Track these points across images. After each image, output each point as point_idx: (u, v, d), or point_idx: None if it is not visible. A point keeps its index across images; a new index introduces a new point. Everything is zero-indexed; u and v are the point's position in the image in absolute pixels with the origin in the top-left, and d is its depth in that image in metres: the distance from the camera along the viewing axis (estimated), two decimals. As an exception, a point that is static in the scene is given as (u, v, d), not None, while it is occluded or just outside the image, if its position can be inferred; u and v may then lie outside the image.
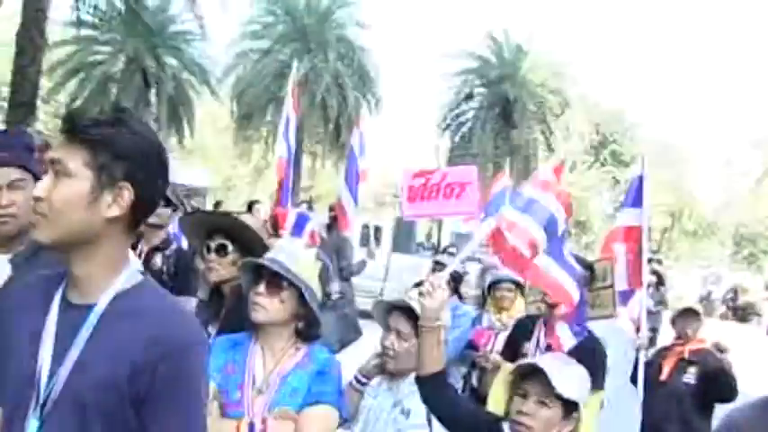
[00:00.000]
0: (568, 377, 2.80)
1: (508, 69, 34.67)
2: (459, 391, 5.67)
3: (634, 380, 5.84)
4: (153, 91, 30.69)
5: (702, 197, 60.43)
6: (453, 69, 36.08)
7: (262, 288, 2.81)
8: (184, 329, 1.80)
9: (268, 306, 2.80)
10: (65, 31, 28.08)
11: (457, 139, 35.66)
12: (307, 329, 2.89)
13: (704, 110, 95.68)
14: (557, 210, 3.70)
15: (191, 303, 5.02)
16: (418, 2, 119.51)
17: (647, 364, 5.89)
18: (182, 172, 22.87)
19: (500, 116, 34.47)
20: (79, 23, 21.77)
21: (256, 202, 13.69)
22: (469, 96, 36.26)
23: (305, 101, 30.35)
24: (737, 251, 61.55)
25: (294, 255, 2.87)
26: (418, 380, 3.03)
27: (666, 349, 6.25)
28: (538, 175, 3.79)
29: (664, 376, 5.98)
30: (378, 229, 19.80)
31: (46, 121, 40.96)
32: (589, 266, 4.39)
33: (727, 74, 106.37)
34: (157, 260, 4.90)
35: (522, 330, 4.61)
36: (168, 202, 4.98)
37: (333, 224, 9.98)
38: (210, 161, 51.53)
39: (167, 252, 4.96)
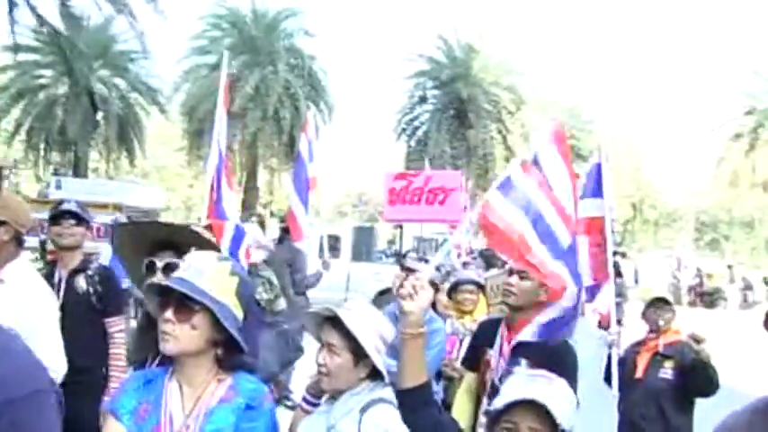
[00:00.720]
0: (562, 403, 2.46)
1: (460, 69, 34.34)
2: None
3: (608, 379, 5.48)
4: (100, 113, 30.05)
5: (662, 186, 60.91)
6: (405, 73, 35.82)
7: (169, 314, 2.36)
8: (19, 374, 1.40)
9: (178, 334, 2.35)
10: (4, 57, 27.55)
11: (413, 142, 35.32)
12: (228, 357, 2.43)
13: (659, 100, 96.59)
14: (541, 199, 3.40)
15: (119, 325, 4.61)
16: (365, 8, 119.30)
17: (621, 362, 5.54)
18: (133, 193, 22.32)
19: (455, 117, 34.19)
20: (16, 48, 21.08)
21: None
22: (423, 99, 35.96)
23: (257, 114, 30.00)
24: (699, 237, 62.12)
25: (202, 270, 2.40)
26: (399, 394, 2.69)
27: (639, 344, 5.88)
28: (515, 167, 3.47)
29: (639, 373, 5.64)
30: (336, 239, 19.41)
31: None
32: None
33: (681, 61, 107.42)
34: (81, 282, 4.49)
35: (485, 335, 4.20)
36: (80, 220, 4.56)
37: (284, 236, 9.56)
38: (167, 182, 50.99)
39: (89, 272, 4.54)
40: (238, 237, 4.62)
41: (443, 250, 3.68)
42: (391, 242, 31.43)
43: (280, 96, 30.00)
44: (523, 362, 3.75)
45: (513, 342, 3.84)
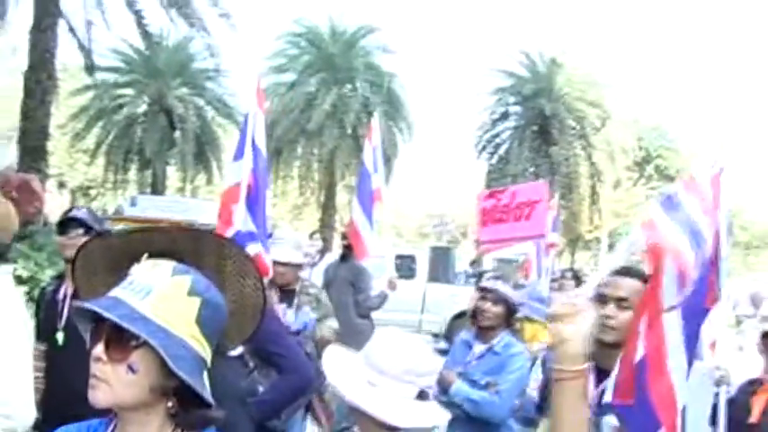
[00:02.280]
0: None
1: (543, 84, 33.12)
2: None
3: (714, 422, 4.56)
4: (178, 131, 30.03)
5: (752, 206, 58.35)
6: (486, 89, 34.81)
7: (99, 350, 1.59)
8: None
9: (110, 379, 1.59)
10: (85, 78, 27.77)
11: (494, 160, 34.25)
12: (185, 412, 1.65)
13: (747, 116, 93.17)
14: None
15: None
16: (444, 24, 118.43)
17: (730, 402, 4.63)
18: (208, 211, 22.04)
19: (538, 133, 32.97)
20: (92, 68, 21.07)
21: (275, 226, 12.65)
22: (505, 115, 34.85)
23: (335, 132, 29.57)
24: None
25: (147, 287, 1.63)
26: None
27: (755, 382, 4.94)
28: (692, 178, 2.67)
29: (754, 418, 4.70)
30: (411, 259, 18.63)
31: (72, 167, 40.90)
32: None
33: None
34: None
35: None
36: (88, 229, 3.90)
37: (348, 254, 8.83)
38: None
39: None
40: (240, 240, 3.85)
41: (621, 250, 2.69)
42: (475, 262, 30.56)
43: (357, 114, 29.48)
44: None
45: (602, 387, 3.03)
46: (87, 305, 1.61)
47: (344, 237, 9.11)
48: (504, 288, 4.83)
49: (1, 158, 22.91)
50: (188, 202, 21.47)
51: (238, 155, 5.74)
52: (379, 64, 31.50)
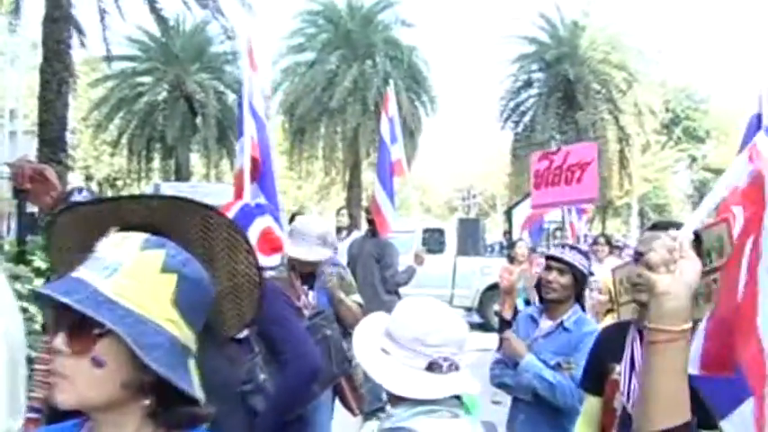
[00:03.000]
0: None
1: (565, 48, 32.44)
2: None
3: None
4: (199, 117, 29.84)
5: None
6: (508, 57, 34.01)
7: (59, 341, 1.33)
8: None
9: (74, 375, 1.35)
10: (105, 68, 27.75)
11: (520, 129, 33.71)
12: (165, 412, 1.39)
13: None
14: None
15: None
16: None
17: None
18: (230, 195, 21.91)
19: (563, 99, 32.28)
20: (110, 58, 20.94)
21: (299, 214, 12.46)
22: (528, 83, 34.22)
23: (357, 109, 29.27)
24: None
25: (114, 264, 1.36)
26: None
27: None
28: None
29: None
30: (440, 232, 18.33)
31: (98, 159, 40.98)
32: (695, 236, 2.84)
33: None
34: None
35: (609, 346, 3.07)
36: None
37: (373, 229, 8.55)
38: (277, 186, 51.01)
39: None
40: (247, 217, 3.49)
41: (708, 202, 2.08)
42: (507, 232, 30.29)
43: (380, 90, 29.03)
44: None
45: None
46: (42, 289, 1.35)
47: (368, 211, 8.85)
48: (572, 256, 4.28)
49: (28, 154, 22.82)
50: (210, 187, 21.37)
51: (241, 130, 5.51)
52: (399, 38, 31.05)
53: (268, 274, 3.48)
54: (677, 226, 2.81)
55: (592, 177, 7.03)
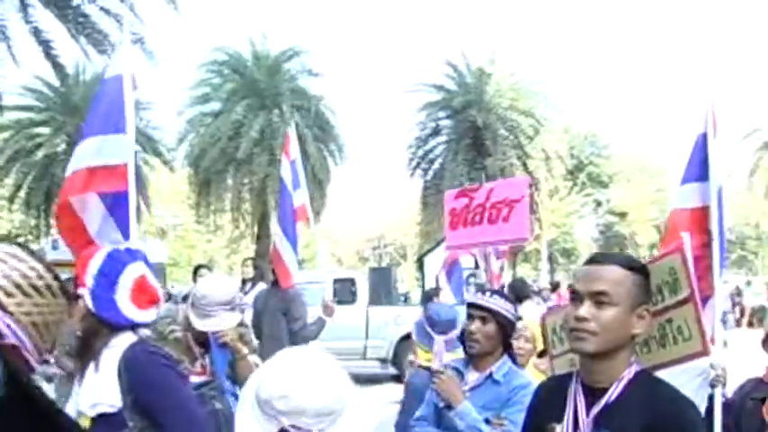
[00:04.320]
0: None
1: (472, 95, 32.56)
2: None
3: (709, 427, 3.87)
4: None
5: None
6: (416, 105, 34.10)
7: None
8: None
9: None
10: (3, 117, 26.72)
11: (429, 176, 33.61)
12: None
13: (674, 118, 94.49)
14: None
15: None
16: (369, 42, 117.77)
17: (727, 407, 3.99)
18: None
19: (471, 146, 32.23)
20: (2, 108, 20.05)
21: (203, 266, 11.90)
22: (436, 131, 34.19)
23: (264, 159, 28.78)
24: (727, 256, 60.34)
25: None
26: None
27: (762, 385, 4.27)
28: None
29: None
30: (351, 282, 17.89)
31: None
32: (643, 271, 2.45)
33: (694, 80, 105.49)
34: None
35: (548, 402, 2.64)
36: None
37: (277, 281, 8.07)
38: (186, 240, 50.02)
39: None
40: (114, 267, 2.96)
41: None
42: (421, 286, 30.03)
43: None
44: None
45: (598, 408, 2.33)
46: None
47: (270, 261, 8.40)
48: (495, 302, 3.88)
49: None
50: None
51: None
52: (306, 87, 30.78)
53: (143, 332, 3.01)
54: (613, 258, 2.44)
55: (521, 216, 6.59)
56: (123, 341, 2.87)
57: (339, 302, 16.66)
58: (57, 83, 27.17)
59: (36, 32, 18.24)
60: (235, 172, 30.19)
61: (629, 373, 2.35)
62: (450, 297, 10.61)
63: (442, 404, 3.83)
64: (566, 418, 2.42)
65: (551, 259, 49.44)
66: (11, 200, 31.13)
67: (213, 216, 32.68)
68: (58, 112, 28.82)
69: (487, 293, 4.01)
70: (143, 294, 2.95)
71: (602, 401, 2.34)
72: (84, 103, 27.67)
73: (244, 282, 10.04)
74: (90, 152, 5.02)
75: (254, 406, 2.00)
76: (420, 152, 33.95)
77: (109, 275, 2.87)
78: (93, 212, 4.88)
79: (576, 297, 2.39)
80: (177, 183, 37.50)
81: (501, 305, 3.87)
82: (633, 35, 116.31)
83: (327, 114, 30.89)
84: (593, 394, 2.38)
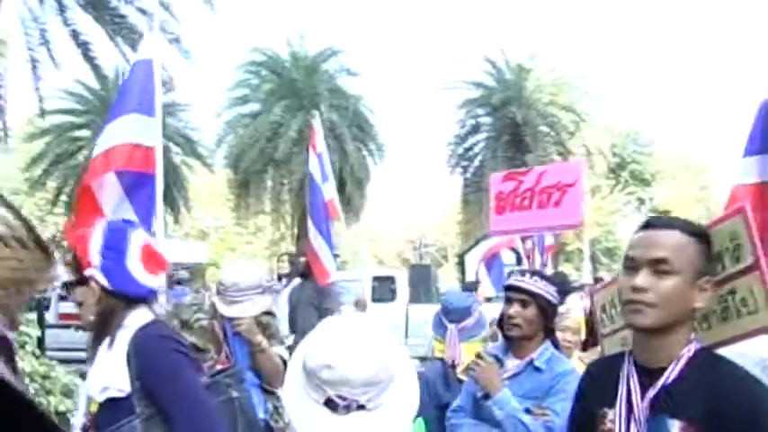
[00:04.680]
0: None
1: (512, 92, 32.15)
2: None
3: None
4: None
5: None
6: (455, 102, 33.77)
7: None
8: None
9: None
10: (40, 121, 26.99)
11: (469, 174, 33.33)
12: None
13: (719, 115, 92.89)
14: None
15: None
16: (406, 40, 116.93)
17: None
18: (174, 250, 21.24)
19: (511, 143, 31.89)
20: (42, 113, 20.20)
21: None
22: (476, 128, 33.86)
23: (302, 159, 28.69)
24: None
25: None
26: None
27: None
28: None
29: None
30: (390, 280, 17.70)
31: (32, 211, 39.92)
32: (704, 236, 2.18)
33: (739, 77, 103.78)
34: None
35: (598, 386, 2.39)
36: None
37: (310, 273, 7.88)
38: (227, 242, 50.14)
39: None
40: (116, 232, 2.75)
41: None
42: (462, 281, 29.76)
43: (325, 139, 28.48)
44: (676, 425, 2.02)
45: (654, 390, 2.09)
46: None
47: (290, 258, 8.23)
48: (535, 283, 3.62)
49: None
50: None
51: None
52: (344, 87, 30.69)
53: (159, 310, 2.81)
54: (673, 222, 2.19)
55: (575, 200, 6.22)
56: (137, 320, 2.67)
57: (379, 300, 16.67)
58: (96, 86, 27.37)
59: (75, 35, 18.25)
60: (274, 173, 30.22)
61: (688, 351, 2.11)
62: (489, 290, 10.38)
63: (480, 393, 3.59)
64: (618, 401, 2.18)
65: (594, 259, 48.77)
66: (53, 203, 31.40)
67: (253, 218, 32.72)
68: (99, 116, 28.96)
69: (527, 275, 3.73)
70: (152, 260, 2.76)
71: (659, 383, 2.10)
72: (123, 104, 27.93)
73: (279, 277, 9.90)
74: (116, 132, 4.87)
75: (301, 375, 1.98)
76: (459, 150, 33.74)
77: (116, 247, 2.68)
78: (109, 192, 4.72)
79: (632, 265, 2.16)
80: (217, 185, 37.58)
81: (542, 287, 3.62)
82: (676, 29, 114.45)
83: (366, 113, 30.81)
84: (648, 375, 2.14)
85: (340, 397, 1.89)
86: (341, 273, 11.45)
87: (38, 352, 7.38)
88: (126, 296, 2.68)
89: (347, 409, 1.90)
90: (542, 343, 3.65)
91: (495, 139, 32.34)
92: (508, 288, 3.72)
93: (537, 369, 3.58)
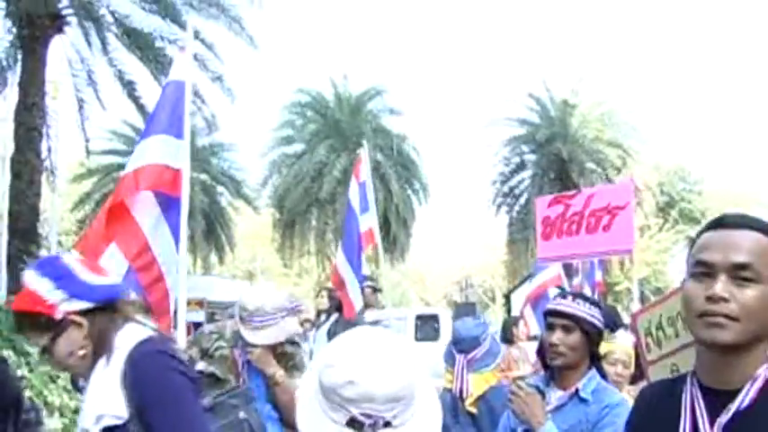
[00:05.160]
0: None
1: (557, 128, 31.94)
2: None
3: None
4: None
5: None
6: (499, 139, 33.57)
7: None
8: None
9: None
10: (92, 161, 27.35)
11: (515, 213, 33.06)
12: None
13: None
14: None
15: None
16: (450, 79, 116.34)
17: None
18: (217, 288, 21.22)
19: (557, 180, 31.48)
20: (88, 153, 20.48)
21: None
22: (521, 165, 33.63)
23: (347, 199, 28.64)
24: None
25: None
26: None
27: None
28: None
29: None
30: (434, 319, 17.34)
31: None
32: None
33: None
34: None
35: (654, 415, 2.08)
36: None
37: (337, 310, 7.63)
38: (275, 283, 50.16)
39: None
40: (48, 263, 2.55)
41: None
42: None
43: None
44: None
45: (727, 416, 1.78)
46: None
47: (330, 291, 7.99)
48: (578, 307, 3.30)
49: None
50: (194, 279, 20.58)
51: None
52: (388, 126, 30.84)
53: (152, 327, 2.53)
54: (751, 222, 1.87)
55: (626, 224, 5.87)
56: (131, 337, 2.38)
57: (422, 339, 16.32)
58: (142, 125, 27.63)
59: (120, 75, 18.40)
60: (318, 213, 30.21)
61: (766, 371, 1.81)
62: (535, 328, 10.00)
63: (520, 429, 3.28)
64: (681, 429, 1.89)
65: (643, 299, 47.81)
66: (101, 241, 31.69)
67: (299, 259, 32.70)
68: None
69: (569, 297, 3.42)
70: (93, 268, 2.52)
71: (733, 407, 1.78)
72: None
73: (319, 313, 9.58)
74: (147, 152, 4.71)
75: (317, 395, 1.86)
76: (505, 188, 33.51)
77: (63, 274, 2.43)
78: (146, 211, 4.56)
79: (706, 271, 1.81)
80: (261, 225, 37.65)
81: (585, 310, 3.30)
82: (722, 62, 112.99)
83: (410, 153, 30.78)
84: (716, 399, 1.84)
85: (365, 415, 1.77)
86: (384, 311, 11.22)
87: (69, 386, 7.22)
88: (105, 304, 2.42)
89: (373, 427, 1.79)
90: (587, 372, 3.31)
91: (541, 177, 32.03)
92: (550, 313, 3.39)
93: (582, 400, 3.24)
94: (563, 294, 3.60)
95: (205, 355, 3.84)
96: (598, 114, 32.73)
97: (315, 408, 1.84)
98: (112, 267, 4.07)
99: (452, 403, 4.21)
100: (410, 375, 1.81)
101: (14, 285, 15.32)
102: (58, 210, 34.07)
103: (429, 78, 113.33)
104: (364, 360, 1.79)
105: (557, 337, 3.26)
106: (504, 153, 33.63)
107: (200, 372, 2.87)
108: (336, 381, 1.77)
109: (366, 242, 7.78)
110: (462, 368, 4.20)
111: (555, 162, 31.44)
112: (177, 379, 2.34)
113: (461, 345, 4.27)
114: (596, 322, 3.31)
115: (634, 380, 5.86)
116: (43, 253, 18.33)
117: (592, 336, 3.30)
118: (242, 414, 2.85)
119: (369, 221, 7.92)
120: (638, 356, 3.40)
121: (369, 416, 1.78)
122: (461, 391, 4.19)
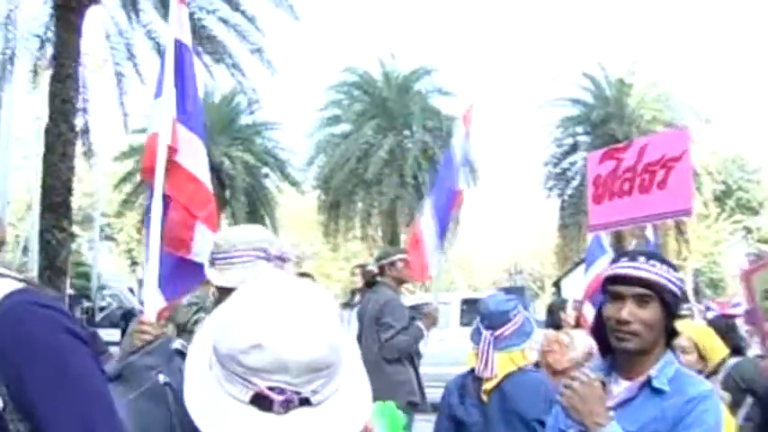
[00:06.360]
0: None
1: (612, 108, 30.84)
2: None
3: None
4: (227, 190, 28.70)
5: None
6: (551, 120, 32.52)
7: None
8: None
9: None
10: (129, 139, 27.08)
11: (567, 195, 32.06)
12: None
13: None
14: None
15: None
16: (500, 57, 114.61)
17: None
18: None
19: (612, 162, 30.72)
20: (126, 129, 20.32)
21: (306, 275, 10.80)
22: (574, 146, 32.49)
23: (394, 180, 28.13)
24: None
25: None
26: None
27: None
28: None
29: None
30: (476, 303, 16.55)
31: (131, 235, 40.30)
32: None
33: None
34: None
35: None
36: None
37: (377, 281, 6.88)
38: (322, 267, 49.78)
39: None
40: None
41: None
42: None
43: (417, 160, 27.96)
44: None
45: None
46: None
47: (379, 259, 7.16)
48: (658, 270, 2.40)
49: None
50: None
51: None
52: (437, 107, 29.99)
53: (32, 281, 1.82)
54: None
55: (683, 178, 4.83)
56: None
57: (467, 324, 15.56)
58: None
59: (158, 48, 17.91)
60: (364, 194, 29.69)
61: None
62: (591, 315, 9.14)
63: (572, 431, 2.47)
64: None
65: (697, 291, 46.42)
66: (142, 220, 31.61)
67: (345, 243, 32.25)
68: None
69: (641, 258, 2.48)
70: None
71: None
72: (212, 124, 27.79)
73: (353, 292, 8.83)
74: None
75: (211, 366, 1.47)
76: (557, 170, 32.47)
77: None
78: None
79: None
80: (306, 210, 37.20)
81: (664, 274, 2.41)
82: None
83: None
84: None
85: (275, 389, 1.38)
86: (428, 294, 10.60)
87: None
88: None
89: (285, 406, 1.39)
90: (663, 355, 2.46)
91: (595, 159, 31.00)
92: (614, 280, 2.48)
93: (657, 392, 2.39)
94: (630, 254, 2.58)
95: (183, 330, 3.19)
96: (656, 94, 31.55)
97: (208, 382, 1.46)
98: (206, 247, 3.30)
99: (462, 382, 3.81)
100: (333, 338, 1.43)
101: (45, 258, 15.01)
102: (102, 190, 34.02)
103: (479, 57, 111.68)
104: (274, 318, 1.41)
105: (628, 311, 2.39)
106: (557, 134, 32.63)
107: (178, 351, 2.11)
108: (237, 345, 1.38)
109: (458, 202, 6.74)
110: (489, 345, 3.65)
111: (609, 143, 29.93)
112: (64, 338, 1.51)
113: (489, 320, 3.71)
114: (677, 289, 2.44)
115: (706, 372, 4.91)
116: (74, 229, 18.01)
117: (671, 307, 2.43)
118: (162, 377, 2.00)
119: (463, 179, 6.98)
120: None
121: (280, 391, 1.39)
122: (484, 371, 3.66)
